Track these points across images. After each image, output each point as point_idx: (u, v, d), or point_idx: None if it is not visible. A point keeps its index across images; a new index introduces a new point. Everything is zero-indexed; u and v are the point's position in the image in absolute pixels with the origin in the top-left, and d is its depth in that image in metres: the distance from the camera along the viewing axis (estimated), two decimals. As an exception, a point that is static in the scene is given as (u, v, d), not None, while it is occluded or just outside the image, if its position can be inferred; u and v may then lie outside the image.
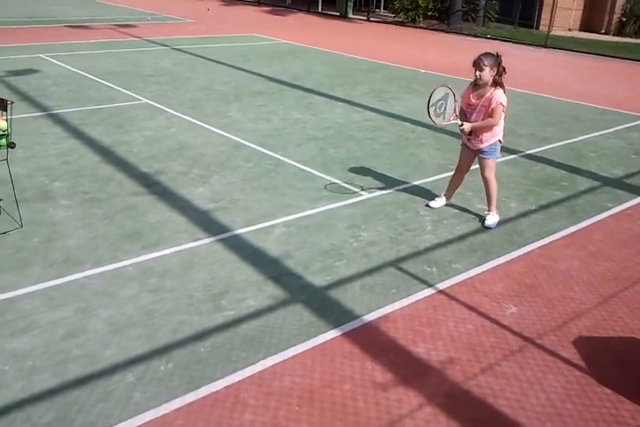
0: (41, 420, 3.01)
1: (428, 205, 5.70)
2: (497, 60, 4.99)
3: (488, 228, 5.33)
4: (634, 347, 3.80)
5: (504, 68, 5.03)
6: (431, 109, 5.10)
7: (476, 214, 5.58)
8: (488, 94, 5.06)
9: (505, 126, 5.34)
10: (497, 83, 5.05)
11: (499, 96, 5.03)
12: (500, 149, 5.35)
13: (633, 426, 3.12)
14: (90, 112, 8.57)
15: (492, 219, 5.39)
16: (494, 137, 5.25)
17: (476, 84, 5.12)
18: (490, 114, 5.10)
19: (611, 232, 5.42)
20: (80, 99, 9.30)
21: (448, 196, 5.76)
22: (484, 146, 5.26)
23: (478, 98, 5.12)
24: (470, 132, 5.24)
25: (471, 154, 5.45)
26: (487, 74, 4.96)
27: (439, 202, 5.72)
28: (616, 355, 3.71)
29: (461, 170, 5.59)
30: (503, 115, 5.16)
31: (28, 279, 4.25)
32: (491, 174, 5.37)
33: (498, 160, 5.43)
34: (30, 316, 3.83)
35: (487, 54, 4.99)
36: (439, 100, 5.15)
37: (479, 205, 5.71)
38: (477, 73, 4.99)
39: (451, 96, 5.20)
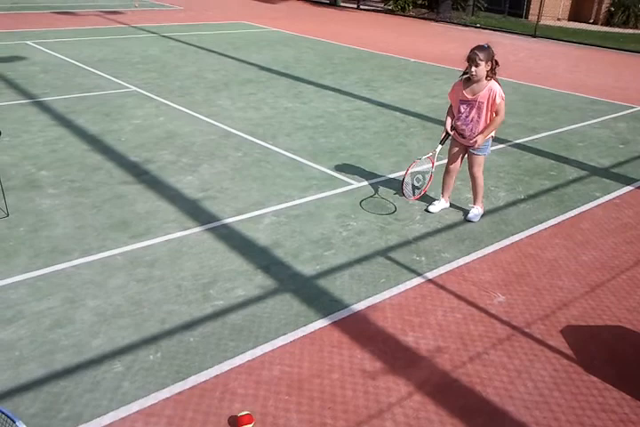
0: (27, 411, 2.99)
1: (427, 210, 5.41)
2: (491, 52, 4.78)
3: (470, 220, 5.25)
4: (621, 336, 3.82)
5: (497, 61, 4.84)
6: (407, 187, 5.22)
7: (465, 204, 5.58)
8: (485, 90, 4.86)
9: None
10: (491, 76, 4.86)
11: (498, 90, 4.85)
12: (489, 147, 5.22)
13: (619, 414, 3.14)
14: (77, 100, 8.49)
15: (475, 211, 5.30)
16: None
17: (469, 79, 4.91)
18: (494, 111, 4.92)
19: (598, 221, 5.44)
20: (67, 86, 9.21)
21: (446, 198, 5.52)
22: (479, 142, 5.04)
23: (473, 93, 4.92)
24: (464, 130, 5.08)
25: (461, 149, 5.24)
26: (482, 69, 4.76)
27: (438, 206, 5.45)
28: (603, 344, 3.74)
29: (452, 170, 5.36)
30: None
31: (13, 269, 4.21)
32: (480, 171, 5.24)
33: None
34: (16, 306, 3.80)
35: (480, 48, 4.76)
36: (418, 174, 5.21)
37: (468, 194, 5.72)
38: (473, 69, 4.76)
39: (427, 163, 5.25)
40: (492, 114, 4.97)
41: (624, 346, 3.73)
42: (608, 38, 18.10)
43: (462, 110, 5.05)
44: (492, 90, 4.86)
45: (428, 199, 5.63)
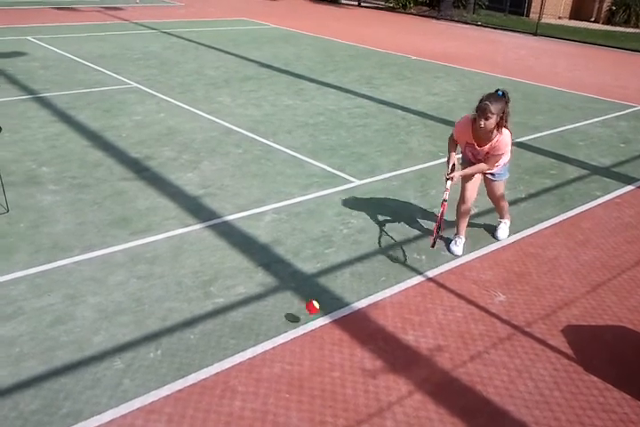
0: (28, 407, 2.99)
1: (450, 251, 4.73)
2: (504, 101, 4.24)
3: (497, 239, 4.96)
4: (621, 335, 3.82)
5: (508, 113, 4.31)
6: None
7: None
8: (494, 142, 4.38)
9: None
10: (501, 125, 4.31)
11: (505, 145, 4.40)
12: (508, 171, 4.80)
13: (620, 414, 3.15)
14: (78, 96, 8.47)
15: (505, 228, 5.02)
16: (505, 157, 4.64)
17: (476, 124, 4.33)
18: (488, 159, 4.49)
19: (599, 221, 5.44)
20: (68, 82, 9.19)
21: (463, 232, 4.84)
22: (495, 170, 4.66)
23: (480, 142, 4.43)
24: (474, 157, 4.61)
25: (477, 177, 4.72)
26: (493, 122, 4.22)
27: (461, 244, 4.78)
28: (604, 343, 3.74)
29: (467, 199, 4.71)
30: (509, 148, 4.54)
31: (14, 265, 4.21)
32: (503, 196, 4.88)
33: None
34: (16, 302, 3.80)
35: (494, 97, 4.21)
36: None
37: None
38: (482, 122, 4.20)
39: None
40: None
41: (625, 346, 3.73)
42: (609, 37, 18.09)
43: (468, 153, 4.63)
44: (499, 143, 4.38)
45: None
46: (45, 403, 3.03)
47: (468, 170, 4.56)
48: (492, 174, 4.72)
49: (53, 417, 2.94)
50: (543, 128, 8.18)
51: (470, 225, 5.05)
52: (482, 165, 4.53)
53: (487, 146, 4.42)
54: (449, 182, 4.54)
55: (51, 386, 3.14)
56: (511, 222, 5.13)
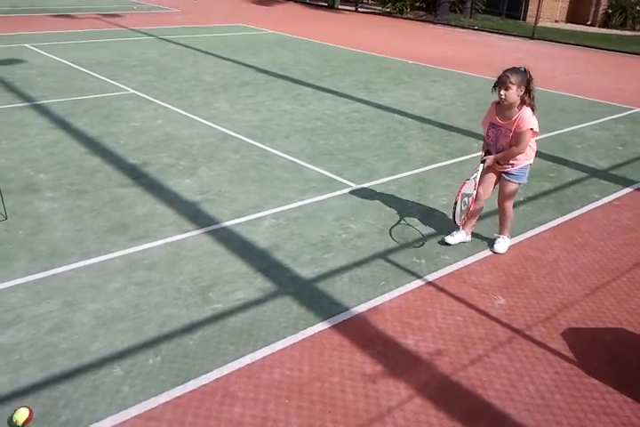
0: (27, 415, 2.98)
1: (445, 242, 4.83)
2: (525, 76, 4.29)
3: (495, 252, 4.79)
4: (621, 338, 3.81)
5: (532, 89, 4.36)
6: (457, 208, 4.46)
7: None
8: (515, 116, 4.37)
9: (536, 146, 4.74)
10: (525, 102, 4.35)
11: (527, 119, 4.36)
12: (526, 176, 4.69)
13: (621, 417, 3.13)
14: (76, 103, 8.48)
15: (502, 242, 4.83)
16: (528, 159, 4.61)
17: (500, 104, 4.43)
18: (514, 140, 4.44)
19: (597, 223, 5.44)
20: (65, 89, 9.20)
21: (468, 229, 4.93)
22: (513, 169, 4.61)
23: (503, 119, 4.44)
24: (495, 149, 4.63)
25: (494, 175, 4.71)
26: (514, 93, 4.26)
27: (457, 237, 4.85)
28: (604, 346, 3.73)
29: (481, 196, 4.72)
30: (534, 139, 4.56)
31: (13, 272, 4.20)
32: (510, 202, 4.76)
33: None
34: (15, 309, 3.79)
35: (514, 70, 4.29)
36: (465, 196, 4.53)
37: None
38: (502, 92, 4.27)
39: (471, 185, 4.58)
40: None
41: (625, 348, 3.72)
42: (605, 40, 18.15)
43: (490, 135, 4.59)
44: (521, 117, 4.37)
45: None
46: (44, 410, 3.01)
47: (500, 155, 4.55)
48: (507, 173, 4.65)
49: (52, 425, 2.92)
50: (541, 131, 8.12)
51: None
52: (513, 149, 4.47)
53: (510, 120, 4.40)
54: (481, 165, 4.63)
55: (49, 393, 3.12)
56: (511, 227, 5.11)
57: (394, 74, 11.67)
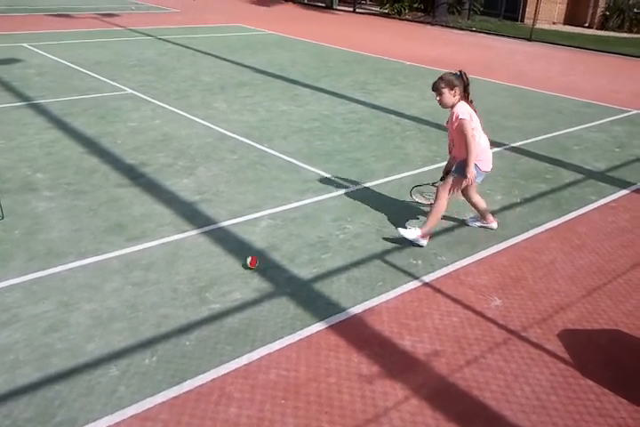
0: (22, 415, 2.97)
1: (466, 224, 5.21)
2: (461, 79, 4.55)
3: (401, 235, 4.75)
4: (617, 339, 3.82)
5: (469, 92, 4.61)
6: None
7: (462, 207, 5.57)
8: (450, 114, 4.65)
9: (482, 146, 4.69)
10: (460, 99, 4.60)
11: (457, 111, 4.55)
12: (476, 174, 4.65)
13: (617, 418, 3.14)
14: (73, 102, 8.47)
15: (411, 232, 4.76)
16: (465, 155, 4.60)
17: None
18: (460, 135, 4.57)
19: (594, 225, 5.44)
20: (63, 89, 9.19)
21: (487, 218, 5.12)
22: (454, 161, 4.84)
23: (448, 121, 4.72)
24: (450, 151, 4.91)
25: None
26: (448, 97, 4.55)
27: (411, 228, 4.88)
28: (600, 348, 3.73)
29: (468, 193, 4.99)
30: (479, 135, 4.63)
31: (9, 272, 4.19)
32: (443, 192, 4.73)
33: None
34: (12, 309, 3.78)
35: (447, 75, 4.57)
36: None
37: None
38: (437, 98, 4.60)
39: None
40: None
41: (620, 350, 3.73)
42: (603, 42, 18.19)
43: (449, 139, 4.89)
44: (453, 112, 4.60)
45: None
46: (39, 411, 3.01)
47: (468, 158, 4.52)
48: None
49: (47, 425, 2.92)
50: (538, 133, 8.19)
51: (466, 230, 5.06)
52: (467, 142, 4.49)
53: (451, 121, 4.63)
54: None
55: (45, 394, 3.12)
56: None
57: (391, 75, 11.68)
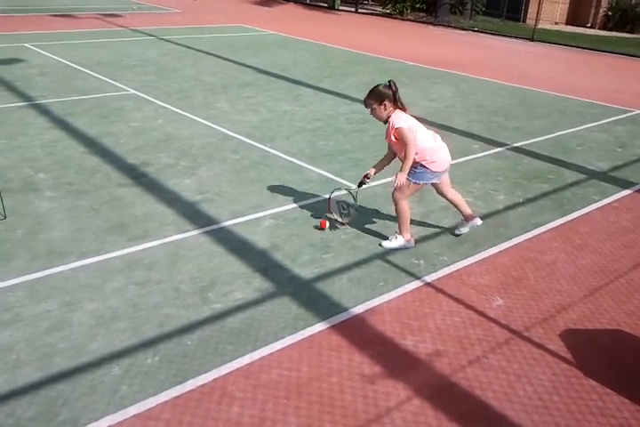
0: (24, 414, 2.97)
1: (456, 234, 5.04)
2: (385, 88, 4.56)
3: (381, 246, 4.78)
4: (619, 339, 3.82)
5: (399, 98, 4.61)
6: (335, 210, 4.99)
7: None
8: (389, 126, 4.62)
9: (431, 147, 4.64)
10: (392, 111, 4.61)
11: (393, 121, 4.54)
12: (424, 175, 4.62)
13: (619, 418, 3.13)
14: (75, 102, 8.48)
15: (394, 242, 4.77)
16: (421, 160, 4.58)
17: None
18: (401, 143, 4.55)
19: (597, 225, 5.44)
20: (65, 89, 9.20)
21: (468, 216, 4.99)
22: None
23: (386, 133, 4.70)
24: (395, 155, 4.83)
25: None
26: (379, 110, 4.58)
27: (466, 227, 5.01)
28: (602, 348, 3.73)
29: (440, 191, 4.97)
30: (425, 137, 4.63)
31: (11, 272, 4.20)
32: (399, 197, 4.70)
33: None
34: (14, 308, 3.79)
35: (374, 88, 4.60)
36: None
37: (467, 198, 5.70)
38: (370, 114, 4.69)
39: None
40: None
41: (623, 350, 3.72)
42: (605, 42, 18.17)
43: (390, 150, 4.89)
44: (389, 123, 4.59)
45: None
46: (42, 410, 3.01)
47: (405, 162, 4.52)
48: None
49: (50, 424, 2.92)
50: (540, 133, 8.19)
51: (467, 231, 5.06)
52: (406, 149, 4.48)
53: (388, 133, 4.64)
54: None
55: (47, 393, 3.12)
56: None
57: (394, 75, 11.64)
